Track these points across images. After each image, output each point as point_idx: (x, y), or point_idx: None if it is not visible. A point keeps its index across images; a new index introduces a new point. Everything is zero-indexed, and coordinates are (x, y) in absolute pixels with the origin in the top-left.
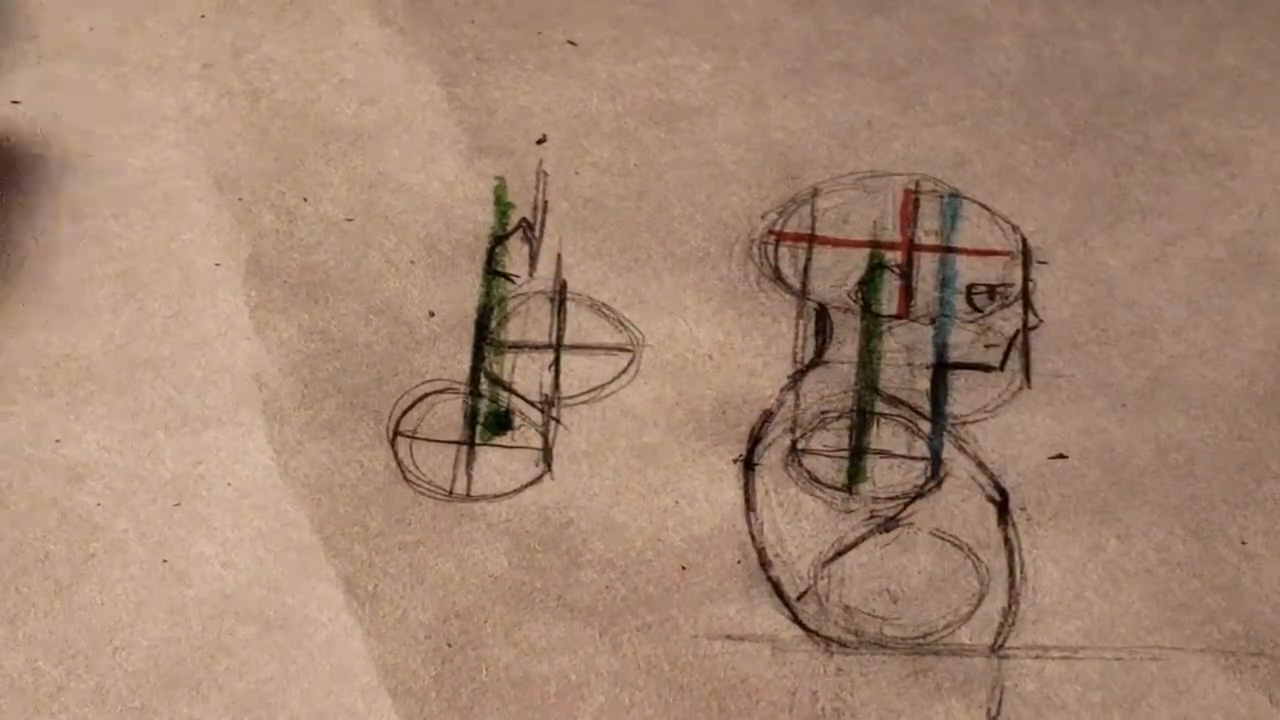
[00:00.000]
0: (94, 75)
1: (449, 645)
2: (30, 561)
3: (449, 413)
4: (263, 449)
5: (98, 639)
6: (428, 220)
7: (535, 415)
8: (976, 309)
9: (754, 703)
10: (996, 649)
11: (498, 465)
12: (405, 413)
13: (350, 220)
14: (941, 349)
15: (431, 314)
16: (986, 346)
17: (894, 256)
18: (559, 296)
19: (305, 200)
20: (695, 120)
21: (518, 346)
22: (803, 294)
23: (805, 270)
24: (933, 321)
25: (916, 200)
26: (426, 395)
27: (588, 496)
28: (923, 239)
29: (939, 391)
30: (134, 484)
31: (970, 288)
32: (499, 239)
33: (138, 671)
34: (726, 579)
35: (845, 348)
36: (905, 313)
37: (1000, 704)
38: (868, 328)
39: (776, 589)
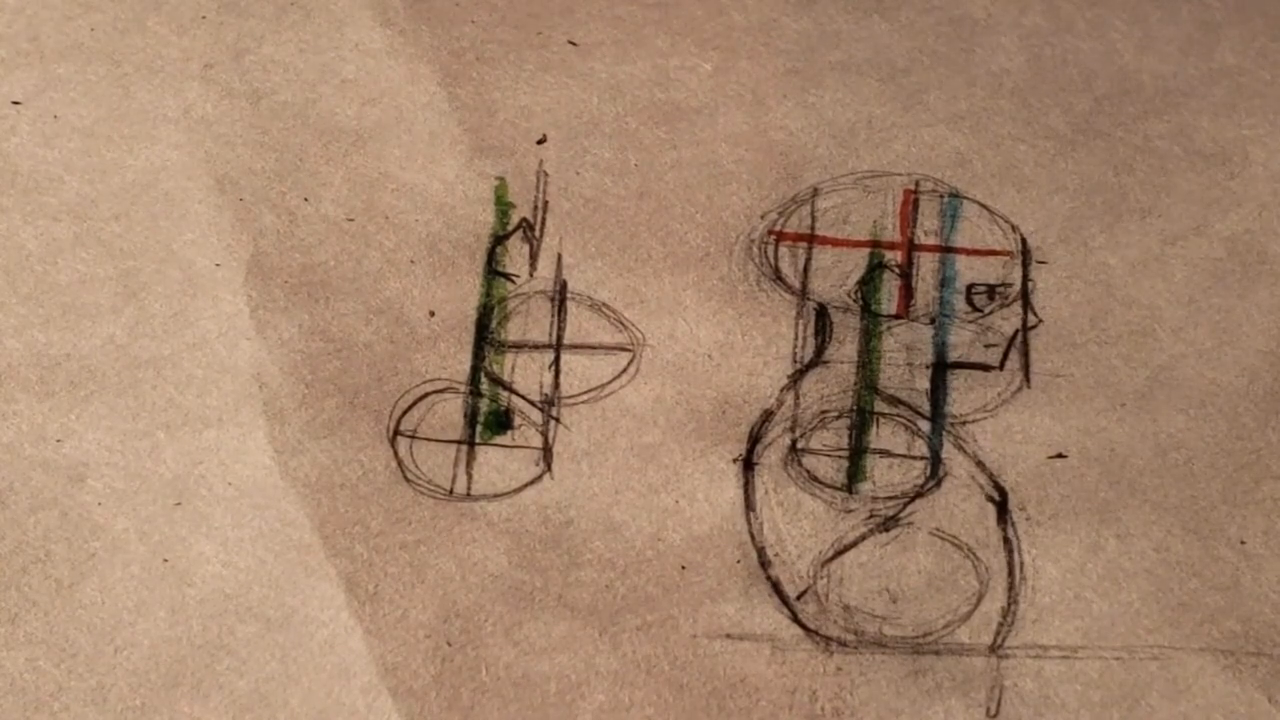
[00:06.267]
0: (94, 75)
1: (449, 644)
2: (31, 561)
3: (449, 412)
4: (263, 449)
5: (98, 638)
6: (428, 220)
7: (535, 415)
8: (976, 309)
9: (754, 702)
10: (996, 648)
11: (498, 465)
12: (405, 412)
13: (351, 220)
14: (941, 349)
15: (432, 314)
16: (986, 346)
17: (894, 256)
18: (559, 296)
19: (306, 200)
20: (695, 120)
21: (518, 346)
22: (802, 294)
23: (805, 270)
24: (932, 321)
25: (916, 200)
26: (427, 395)
27: (588, 496)
28: (922, 239)
29: (938, 391)
30: (135, 483)
31: (970, 287)
32: (499, 239)
33: (138, 671)
34: (726, 579)
35: (845, 347)
36: (905, 312)
37: (999, 703)
38: (867, 327)
39: (776, 588)
